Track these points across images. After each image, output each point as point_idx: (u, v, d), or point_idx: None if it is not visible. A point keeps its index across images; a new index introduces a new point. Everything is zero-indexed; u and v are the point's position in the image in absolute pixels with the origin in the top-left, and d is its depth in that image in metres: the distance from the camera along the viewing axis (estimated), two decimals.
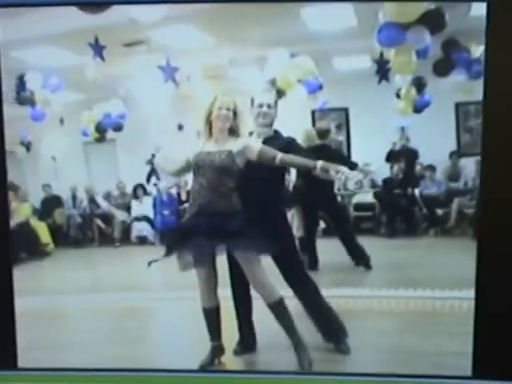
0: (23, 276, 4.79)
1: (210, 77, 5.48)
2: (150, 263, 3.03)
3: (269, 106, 3.13)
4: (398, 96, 5.34)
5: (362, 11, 4.58)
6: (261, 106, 3.13)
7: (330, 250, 4.60)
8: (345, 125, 5.97)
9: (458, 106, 5.60)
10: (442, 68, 4.88)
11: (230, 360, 3.12)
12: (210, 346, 3.07)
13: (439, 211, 5.63)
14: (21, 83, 5.51)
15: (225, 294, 3.14)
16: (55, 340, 3.57)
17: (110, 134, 6.17)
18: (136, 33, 4.91)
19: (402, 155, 5.72)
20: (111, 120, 6.05)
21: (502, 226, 2.43)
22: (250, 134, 3.14)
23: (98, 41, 4.68)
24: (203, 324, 3.06)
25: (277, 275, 3.05)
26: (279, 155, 2.86)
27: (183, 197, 5.86)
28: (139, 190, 6.38)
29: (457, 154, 5.74)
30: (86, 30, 4.37)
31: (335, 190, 5.00)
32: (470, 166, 5.41)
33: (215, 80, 5.52)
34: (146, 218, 6.26)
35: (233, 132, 2.98)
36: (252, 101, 3.18)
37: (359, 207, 5.84)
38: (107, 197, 6.52)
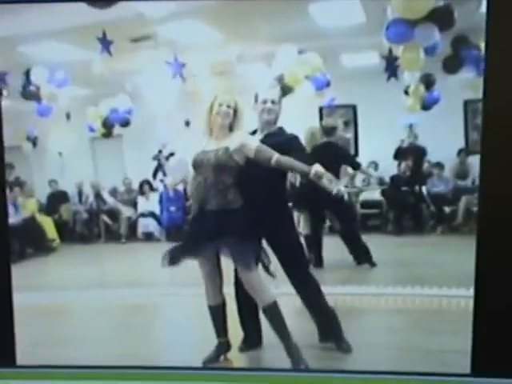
0: (29, 271, 4.83)
1: (218, 73, 5.47)
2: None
3: (273, 102, 3.09)
4: (406, 93, 5.32)
5: (370, 7, 4.57)
6: (265, 102, 3.09)
7: (335, 247, 4.58)
8: (352, 122, 5.95)
9: (466, 103, 5.57)
10: (451, 65, 4.86)
11: (235, 356, 3.12)
12: (216, 343, 3.06)
13: (447, 209, 5.62)
14: (27, 78, 5.51)
15: (231, 291, 3.13)
16: (60, 336, 3.57)
17: (117, 130, 6.18)
18: (143, 28, 4.90)
19: (410, 153, 5.70)
20: (118, 115, 6.05)
21: (501, 224, 2.42)
22: (255, 131, 3.12)
23: (105, 35, 4.68)
24: (209, 320, 3.04)
25: (279, 272, 3.04)
26: (275, 156, 2.82)
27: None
28: (145, 186, 6.39)
29: (465, 152, 5.72)
30: (93, 24, 4.36)
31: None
32: (478, 164, 5.37)
33: (222, 76, 5.51)
34: (152, 214, 6.26)
35: (232, 130, 2.97)
36: (256, 97, 3.14)
37: (366, 204, 5.83)
38: (113, 193, 6.53)
